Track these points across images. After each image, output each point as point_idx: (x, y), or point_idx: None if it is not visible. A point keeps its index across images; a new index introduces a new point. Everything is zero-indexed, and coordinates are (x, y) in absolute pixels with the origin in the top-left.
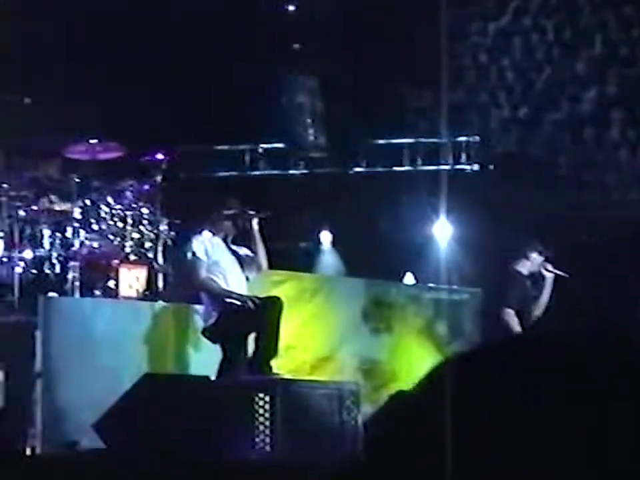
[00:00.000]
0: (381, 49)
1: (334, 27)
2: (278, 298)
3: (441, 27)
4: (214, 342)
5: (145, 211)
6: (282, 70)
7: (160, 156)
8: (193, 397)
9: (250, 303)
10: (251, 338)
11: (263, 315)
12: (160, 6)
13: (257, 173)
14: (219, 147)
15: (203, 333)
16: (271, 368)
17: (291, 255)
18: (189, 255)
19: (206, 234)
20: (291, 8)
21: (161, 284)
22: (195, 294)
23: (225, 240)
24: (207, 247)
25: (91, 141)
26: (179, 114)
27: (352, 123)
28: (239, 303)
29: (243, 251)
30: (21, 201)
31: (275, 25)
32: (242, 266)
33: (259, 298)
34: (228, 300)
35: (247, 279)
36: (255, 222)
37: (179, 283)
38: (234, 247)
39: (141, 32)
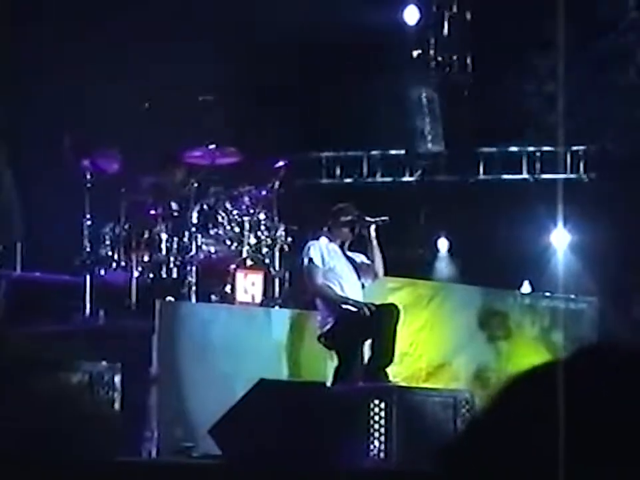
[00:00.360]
0: (499, 56)
1: (455, 33)
2: (395, 305)
3: (559, 37)
4: (330, 348)
5: (262, 216)
6: (402, 77)
7: (279, 163)
8: (308, 403)
9: (366, 310)
10: (367, 345)
11: (379, 322)
12: (283, 12)
13: (375, 180)
14: (337, 154)
15: (319, 339)
16: (386, 375)
17: (408, 262)
18: (306, 260)
19: (323, 240)
20: (415, 14)
21: (277, 289)
22: (311, 300)
23: (341, 246)
24: (324, 253)
25: (210, 146)
26: (299, 120)
27: (471, 130)
28: (354, 309)
29: (360, 257)
30: (140, 205)
31: (396, 31)
32: (358, 273)
33: (374, 305)
34: (344, 306)
35: (363, 285)
36: (372, 228)
37: (296, 289)
38: (350, 254)
39: (264, 37)
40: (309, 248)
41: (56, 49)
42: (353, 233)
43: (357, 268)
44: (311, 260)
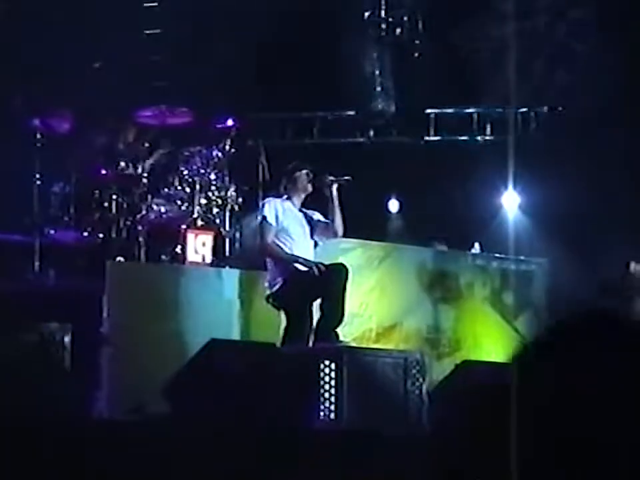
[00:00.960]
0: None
1: None
2: (343, 265)
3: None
4: (278, 309)
5: (212, 176)
6: (353, 38)
7: (229, 122)
8: (258, 363)
9: (315, 269)
10: (316, 305)
11: (328, 282)
12: None
13: (326, 140)
14: (288, 114)
15: (267, 299)
16: (337, 335)
17: (358, 223)
18: (259, 218)
19: (278, 199)
20: None
21: (227, 250)
22: (261, 260)
23: (298, 204)
24: (278, 211)
25: (161, 106)
26: (250, 81)
27: (421, 92)
28: (304, 268)
29: (317, 215)
30: (91, 164)
31: None
32: (312, 231)
33: (324, 264)
34: (293, 266)
35: (316, 244)
36: (334, 187)
37: (246, 248)
38: (307, 212)
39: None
40: (263, 205)
41: (9, 6)
42: (307, 190)
43: (313, 226)
44: (264, 218)
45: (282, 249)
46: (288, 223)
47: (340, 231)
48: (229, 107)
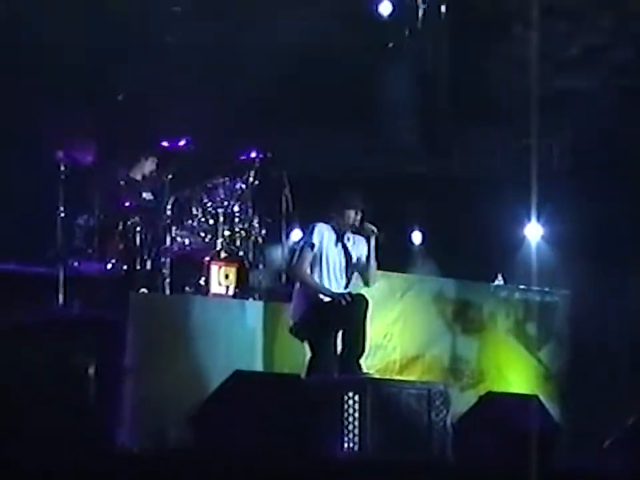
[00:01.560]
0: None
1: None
2: (363, 296)
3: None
4: (302, 340)
5: (236, 208)
6: (376, 68)
7: (253, 154)
8: (282, 395)
9: (342, 300)
10: (340, 337)
11: (349, 313)
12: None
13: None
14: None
15: (290, 330)
16: (360, 367)
17: (382, 254)
18: (303, 241)
19: (324, 225)
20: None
21: (251, 281)
22: (286, 292)
23: (339, 235)
24: (324, 238)
25: (185, 138)
26: (273, 112)
27: (446, 121)
28: (327, 299)
29: (358, 252)
30: (115, 196)
31: (368, 23)
32: (347, 268)
33: (350, 295)
34: (317, 296)
35: (347, 284)
36: (373, 238)
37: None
38: (348, 247)
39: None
40: (312, 229)
41: (30, 37)
42: (353, 226)
43: (349, 264)
44: (309, 242)
45: (312, 276)
46: (327, 254)
47: (372, 280)
48: (253, 138)
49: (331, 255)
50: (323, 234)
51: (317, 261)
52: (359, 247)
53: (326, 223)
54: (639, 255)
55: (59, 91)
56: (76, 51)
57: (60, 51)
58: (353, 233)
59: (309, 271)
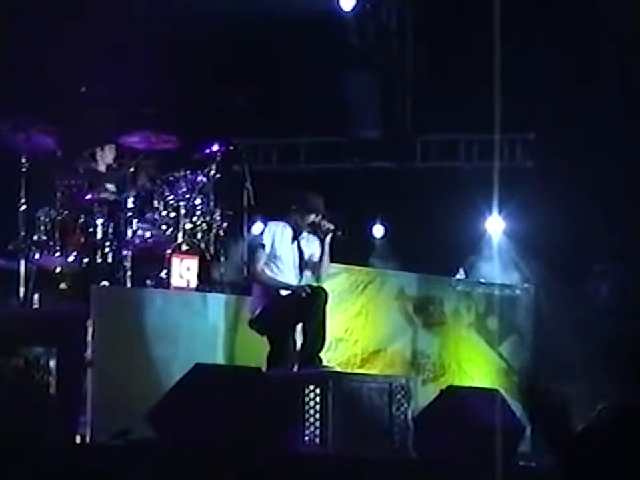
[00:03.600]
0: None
1: (393, 19)
2: (321, 288)
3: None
4: (262, 333)
5: (197, 201)
6: (339, 63)
7: (215, 147)
8: (243, 388)
9: (303, 292)
10: (299, 330)
11: (307, 306)
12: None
13: (311, 166)
14: (274, 140)
15: (250, 324)
16: (320, 360)
17: (343, 248)
18: (255, 243)
19: (280, 224)
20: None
21: (212, 274)
22: (246, 285)
23: (295, 234)
24: (276, 238)
25: (146, 132)
26: (237, 106)
27: (408, 117)
28: (285, 292)
29: (309, 250)
30: (76, 189)
31: (337, 20)
32: (301, 264)
33: (310, 287)
34: (275, 291)
35: (301, 278)
36: (329, 236)
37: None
38: (302, 243)
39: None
40: (262, 230)
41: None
42: (311, 227)
43: (303, 260)
44: (260, 244)
45: (269, 275)
46: (281, 252)
47: (322, 277)
48: (215, 132)
49: (284, 253)
50: (275, 233)
51: (270, 258)
52: (313, 245)
53: (284, 220)
54: (600, 249)
55: (20, 82)
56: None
57: (26, 38)
58: (309, 232)
59: (264, 268)
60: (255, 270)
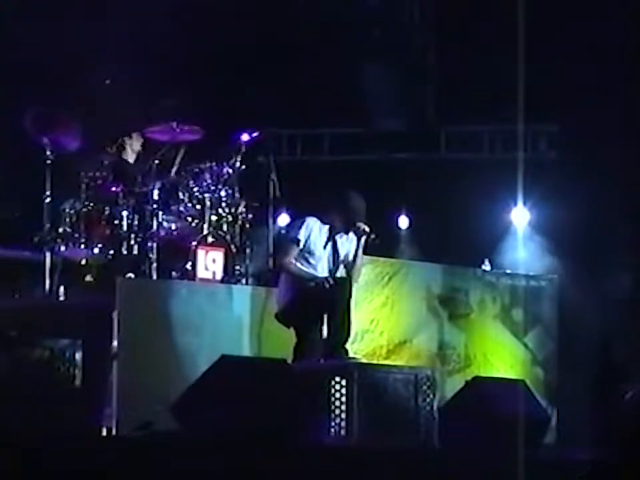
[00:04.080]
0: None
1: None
2: (346, 279)
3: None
4: (288, 326)
5: (223, 193)
6: (363, 56)
7: (241, 139)
8: (269, 380)
9: (326, 283)
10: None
11: (332, 296)
12: None
13: (336, 157)
14: (297, 131)
15: (276, 316)
16: (346, 351)
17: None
18: (290, 236)
19: (317, 222)
20: None
21: (238, 266)
22: (273, 277)
23: (331, 231)
24: (312, 235)
25: (171, 123)
26: (261, 98)
27: (433, 108)
28: (311, 284)
29: (346, 249)
30: (101, 181)
31: (358, 11)
32: (335, 262)
33: (333, 278)
34: (301, 283)
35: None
36: (363, 239)
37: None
38: (338, 242)
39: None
40: (300, 225)
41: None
42: (349, 227)
43: (338, 259)
44: (295, 239)
45: (298, 266)
46: (315, 248)
47: (356, 278)
48: (240, 123)
49: (317, 250)
50: (312, 230)
51: (302, 254)
52: (348, 244)
53: (320, 219)
54: (625, 242)
55: (44, 74)
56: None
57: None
58: (346, 231)
59: (294, 261)
60: (284, 261)
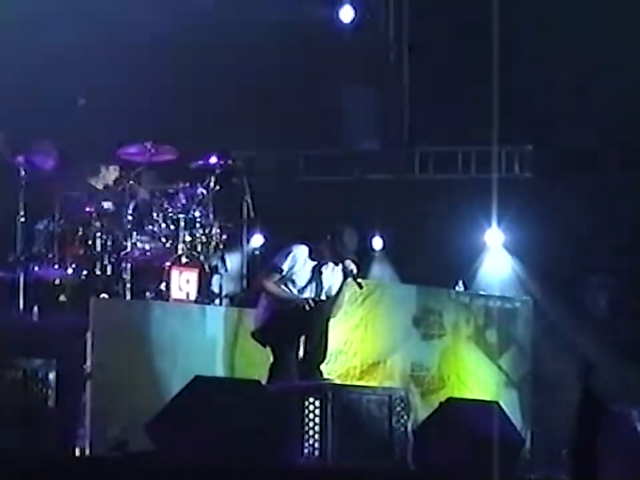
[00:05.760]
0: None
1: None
2: (325, 302)
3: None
4: (264, 345)
5: (197, 214)
6: (338, 76)
7: (214, 160)
8: (243, 400)
9: (305, 304)
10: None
11: (311, 318)
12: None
13: (310, 178)
14: (273, 152)
15: (253, 335)
16: (321, 372)
17: None
18: (274, 263)
19: (304, 252)
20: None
21: (212, 286)
22: (248, 298)
23: (318, 262)
24: (297, 264)
25: (146, 144)
26: (234, 119)
27: (407, 129)
28: (290, 305)
29: (331, 281)
30: (75, 201)
31: (335, 32)
32: (318, 291)
33: (314, 300)
34: (281, 303)
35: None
36: (350, 279)
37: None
38: (324, 274)
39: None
40: (287, 254)
41: None
42: (336, 260)
43: (320, 290)
44: (278, 268)
45: (278, 288)
46: (296, 279)
47: (335, 313)
48: (214, 144)
49: (299, 280)
50: (297, 261)
51: (283, 281)
52: (334, 277)
53: (309, 247)
54: (600, 262)
55: (19, 95)
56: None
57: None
58: (334, 263)
59: (274, 285)
60: (264, 283)
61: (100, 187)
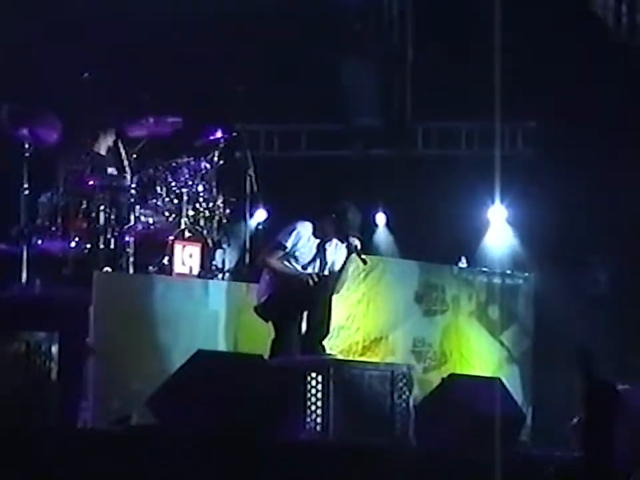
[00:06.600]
0: (440, 30)
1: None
2: (328, 277)
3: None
4: (266, 320)
5: (200, 188)
6: (340, 51)
7: (218, 134)
8: (245, 375)
9: (310, 279)
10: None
11: (314, 294)
12: None
13: (313, 153)
14: (275, 127)
15: (256, 310)
16: (323, 348)
17: None
18: (277, 241)
19: (308, 229)
20: None
21: (215, 261)
22: (252, 272)
23: (322, 239)
24: (300, 241)
25: (149, 117)
26: (239, 93)
27: (408, 104)
28: (294, 280)
29: (334, 257)
30: (79, 175)
31: (338, 7)
32: (322, 267)
33: (318, 275)
34: (284, 278)
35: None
36: (353, 255)
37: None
38: (328, 250)
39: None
40: (291, 231)
41: None
42: (340, 237)
43: (324, 266)
44: (282, 245)
45: (281, 264)
46: (299, 256)
47: (338, 289)
48: (217, 118)
49: (302, 257)
50: (300, 238)
51: (286, 257)
52: (338, 254)
53: (313, 223)
54: (602, 239)
55: (22, 68)
56: (42, 27)
57: (25, 26)
58: (339, 239)
59: (277, 261)
60: (268, 260)
61: (103, 152)
